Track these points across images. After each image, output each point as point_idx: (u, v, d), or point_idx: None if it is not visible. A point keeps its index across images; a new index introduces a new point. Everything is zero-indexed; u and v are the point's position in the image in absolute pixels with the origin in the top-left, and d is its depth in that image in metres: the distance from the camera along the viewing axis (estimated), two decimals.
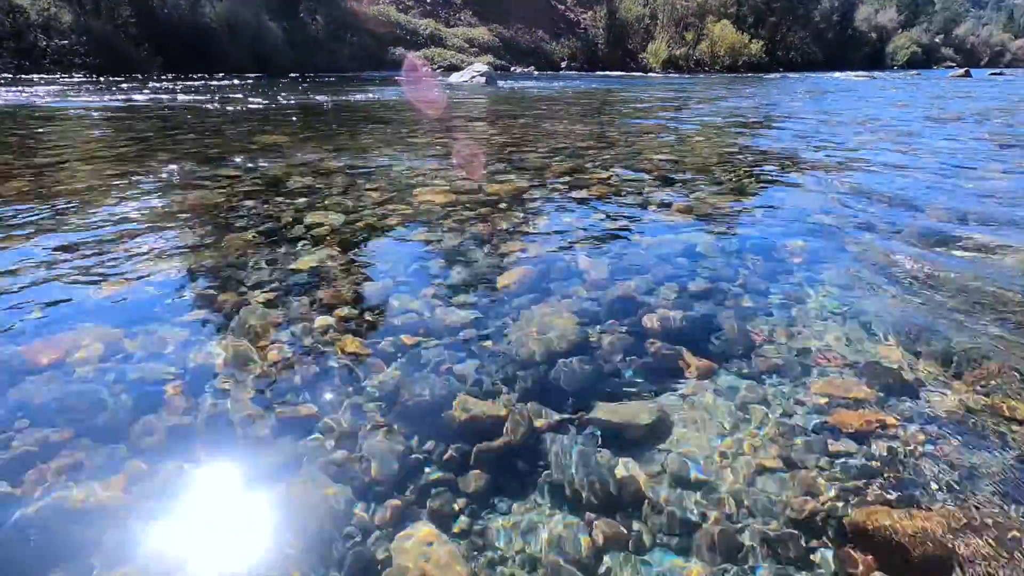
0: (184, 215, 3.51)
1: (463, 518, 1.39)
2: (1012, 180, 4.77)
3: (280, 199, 3.87)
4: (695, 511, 1.40)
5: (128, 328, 2.12)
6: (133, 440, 1.58)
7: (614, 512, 1.40)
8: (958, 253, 2.96)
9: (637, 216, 3.62)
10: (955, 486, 1.45)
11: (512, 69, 29.75)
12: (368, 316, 2.28)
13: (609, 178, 4.69)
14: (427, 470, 1.53)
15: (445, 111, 10.58)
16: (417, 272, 2.70)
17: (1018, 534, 1.31)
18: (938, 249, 3.02)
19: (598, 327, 2.21)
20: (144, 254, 2.82)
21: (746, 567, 1.26)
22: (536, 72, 29.62)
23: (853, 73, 32.19)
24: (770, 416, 1.73)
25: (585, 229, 3.35)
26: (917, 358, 2.00)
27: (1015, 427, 1.64)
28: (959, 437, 1.61)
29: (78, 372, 1.86)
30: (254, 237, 3.09)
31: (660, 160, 5.64)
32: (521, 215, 3.58)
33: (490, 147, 6.34)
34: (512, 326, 2.21)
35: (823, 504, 1.42)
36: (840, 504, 1.42)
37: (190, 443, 1.59)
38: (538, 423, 1.70)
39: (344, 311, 2.29)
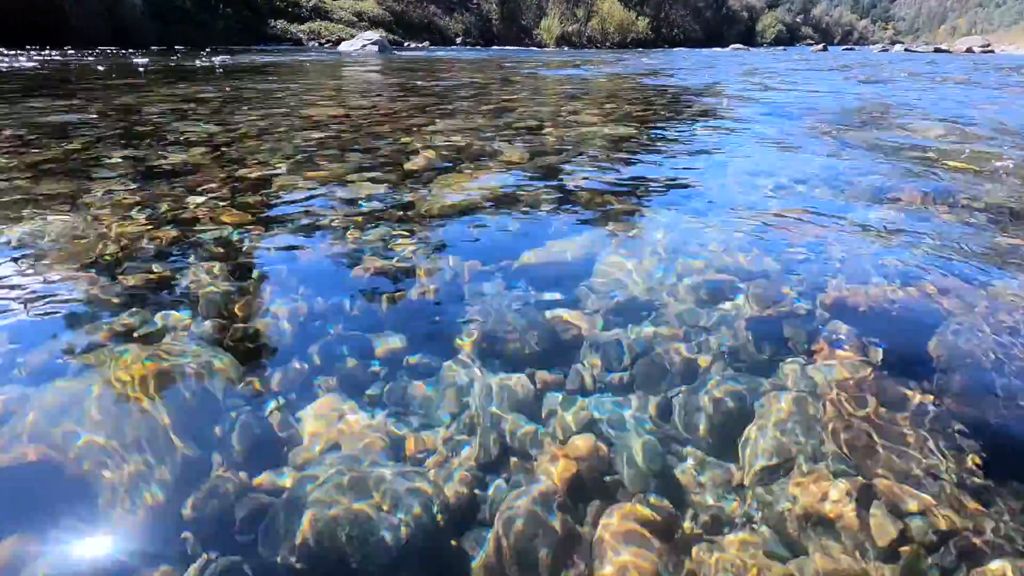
0: (11, 131, 2.83)
1: (380, 380, 1.08)
2: (876, 92, 5.47)
3: (135, 117, 3.26)
4: (637, 342, 1.17)
5: None
6: None
7: (551, 358, 1.14)
8: (852, 131, 3.18)
9: (550, 118, 3.44)
10: (910, 264, 1.39)
11: (405, 44, 28.70)
12: (250, 194, 1.89)
13: (516, 98, 4.47)
14: (331, 331, 1.21)
15: (337, 67, 9.85)
16: (307, 160, 2.32)
17: (974, 293, 1.27)
18: (837, 129, 3.21)
19: (519, 188, 1.98)
20: None
21: (703, 390, 1.05)
22: (431, 47, 28.79)
23: (731, 48, 34.39)
24: (711, 237, 1.58)
25: (498, 127, 3.10)
26: (844, 191, 1.97)
27: (941, 219, 1.63)
28: (898, 234, 1.57)
29: None
30: (105, 145, 2.54)
31: (567, 89, 5.52)
32: (426, 119, 3.27)
33: (389, 85, 5.91)
34: (425, 194, 1.92)
35: (785, 306, 1.28)
36: (804, 302, 1.29)
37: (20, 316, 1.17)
38: (460, 272, 1.42)
39: (217, 190, 1.88)
